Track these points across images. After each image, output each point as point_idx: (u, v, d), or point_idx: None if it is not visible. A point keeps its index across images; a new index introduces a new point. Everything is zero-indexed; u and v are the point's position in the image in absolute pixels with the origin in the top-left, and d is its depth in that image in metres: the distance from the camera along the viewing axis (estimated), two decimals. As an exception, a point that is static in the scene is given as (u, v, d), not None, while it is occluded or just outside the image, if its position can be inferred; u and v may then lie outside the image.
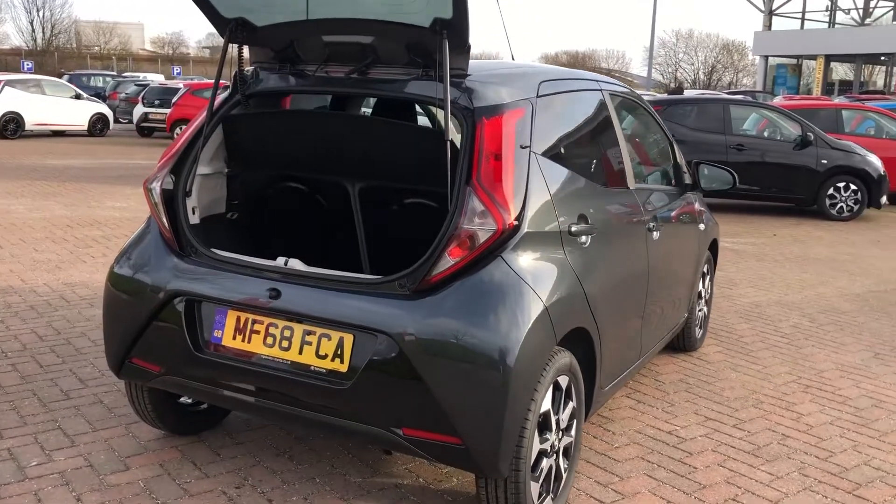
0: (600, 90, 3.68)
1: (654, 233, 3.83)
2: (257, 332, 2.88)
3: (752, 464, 3.61)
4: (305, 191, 3.53)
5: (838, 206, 11.58)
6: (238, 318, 2.91)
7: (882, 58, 40.77)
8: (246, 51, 3.23)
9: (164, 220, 3.11)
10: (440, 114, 3.06)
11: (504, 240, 2.67)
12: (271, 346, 2.84)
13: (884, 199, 11.73)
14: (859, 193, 11.48)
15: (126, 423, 3.71)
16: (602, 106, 3.64)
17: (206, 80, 24.90)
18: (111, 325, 3.20)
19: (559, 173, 3.03)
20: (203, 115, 3.25)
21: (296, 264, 2.90)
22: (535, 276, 2.74)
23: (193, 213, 3.19)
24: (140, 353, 3.12)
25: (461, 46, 2.80)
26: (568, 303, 2.88)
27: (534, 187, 2.81)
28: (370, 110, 4.18)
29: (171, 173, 3.15)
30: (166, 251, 3.11)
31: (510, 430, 2.60)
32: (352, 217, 3.46)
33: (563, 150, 3.13)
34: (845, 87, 38.66)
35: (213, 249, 3.05)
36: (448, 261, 2.64)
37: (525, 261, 2.73)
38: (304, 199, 3.54)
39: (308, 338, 2.80)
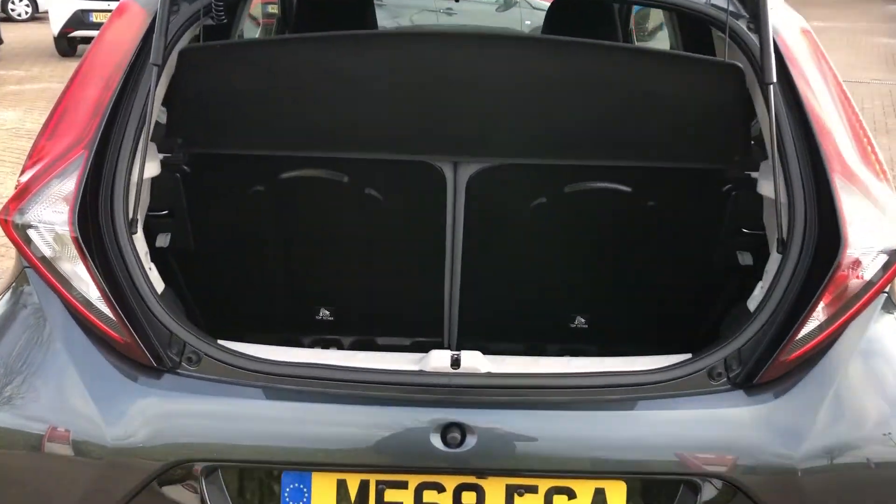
0: None
1: None
2: None
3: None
4: (344, 183, 1.85)
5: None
6: (343, 487, 1.45)
7: None
8: None
9: (103, 299, 1.39)
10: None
11: None
12: None
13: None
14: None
15: None
16: None
17: None
18: None
19: None
20: (126, 49, 1.49)
21: (476, 361, 1.45)
22: None
23: (147, 264, 1.51)
24: None
25: None
26: None
27: None
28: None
29: (86, 183, 1.42)
30: (109, 363, 1.44)
31: None
32: (432, 226, 1.89)
33: None
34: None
35: (220, 341, 1.47)
36: (819, 317, 1.46)
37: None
38: (334, 198, 1.89)
39: (522, 501, 1.46)
